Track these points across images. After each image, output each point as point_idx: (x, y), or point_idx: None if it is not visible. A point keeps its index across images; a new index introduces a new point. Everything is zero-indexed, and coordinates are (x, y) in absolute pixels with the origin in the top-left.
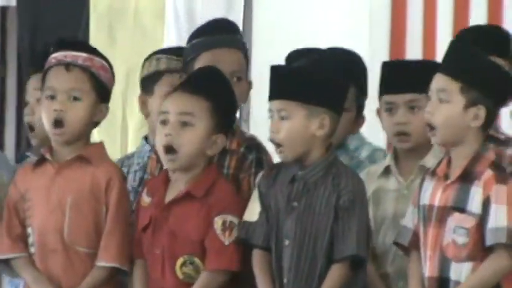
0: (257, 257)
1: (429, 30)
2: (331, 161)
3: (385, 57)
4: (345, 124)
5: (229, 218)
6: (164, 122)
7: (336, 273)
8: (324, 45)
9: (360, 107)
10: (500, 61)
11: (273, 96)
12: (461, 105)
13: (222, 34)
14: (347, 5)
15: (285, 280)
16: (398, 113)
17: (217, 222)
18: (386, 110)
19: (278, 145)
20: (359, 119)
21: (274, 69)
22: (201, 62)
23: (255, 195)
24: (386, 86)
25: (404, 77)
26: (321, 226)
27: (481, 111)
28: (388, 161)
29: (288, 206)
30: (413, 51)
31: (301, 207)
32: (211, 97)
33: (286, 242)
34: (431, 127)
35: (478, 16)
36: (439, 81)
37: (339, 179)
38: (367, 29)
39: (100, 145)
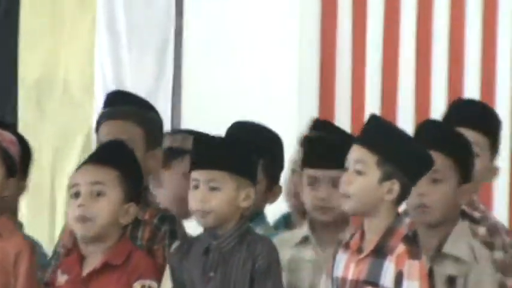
0: None
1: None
2: (245, 228)
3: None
4: (258, 195)
5: (148, 282)
6: (76, 195)
7: None
8: (255, 117)
9: (273, 178)
10: (471, 133)
11: (200, 165)
12: (376, 178)
13: (115, 106)
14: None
15: None
16: (321, 188)
17: (136, 287)
18: (309, 183)
19: (203, 212)
20: (275, 189)
21: (202, 139)
22: (100, 132)
23: (167, 273)
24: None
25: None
26: None
27: (395, 186)
28: (306, 231)
29: (203, 277)
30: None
31: (218, 276)
32: (119, 167)
33: None
34: (346, 196)
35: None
36: (356, 152)
37: (254, 245)
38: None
39: (5, 219)
